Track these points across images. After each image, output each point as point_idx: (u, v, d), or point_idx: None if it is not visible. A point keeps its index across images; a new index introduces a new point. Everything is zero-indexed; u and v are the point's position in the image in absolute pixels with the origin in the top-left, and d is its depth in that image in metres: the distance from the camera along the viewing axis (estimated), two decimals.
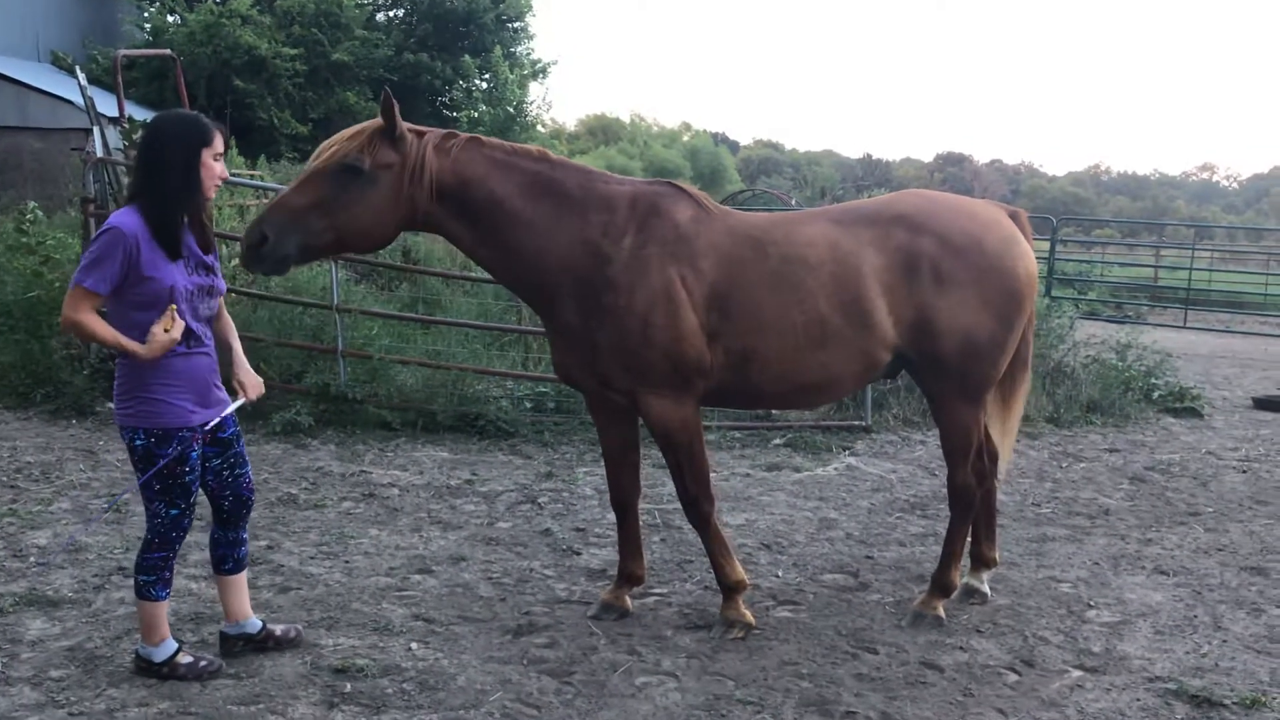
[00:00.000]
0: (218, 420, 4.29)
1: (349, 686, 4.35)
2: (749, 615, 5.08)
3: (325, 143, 4.50)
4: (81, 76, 10.07)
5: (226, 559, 4.54)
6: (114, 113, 11.25)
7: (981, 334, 4.97)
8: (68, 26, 29.08)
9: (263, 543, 5.98)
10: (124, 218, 4.01)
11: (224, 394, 4.36)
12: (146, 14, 31.63)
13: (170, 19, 31.05)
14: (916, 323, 4.91)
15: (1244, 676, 4.80)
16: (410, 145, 4.49)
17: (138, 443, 4.11)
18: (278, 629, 4.69)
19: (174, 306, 4.04)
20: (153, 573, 4.26)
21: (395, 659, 4.63)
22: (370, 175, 4.41)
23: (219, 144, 4.12)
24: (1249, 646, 5.13)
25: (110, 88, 13.78)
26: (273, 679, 4.39)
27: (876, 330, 4.89)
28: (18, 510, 6.29)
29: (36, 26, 27.75)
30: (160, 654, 4.31)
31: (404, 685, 4.39)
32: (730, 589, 5.08)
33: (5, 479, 6.89)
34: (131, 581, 5.29)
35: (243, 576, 4.60)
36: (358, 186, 4.40)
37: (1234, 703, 4.52)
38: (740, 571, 5.11)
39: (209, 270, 4.23)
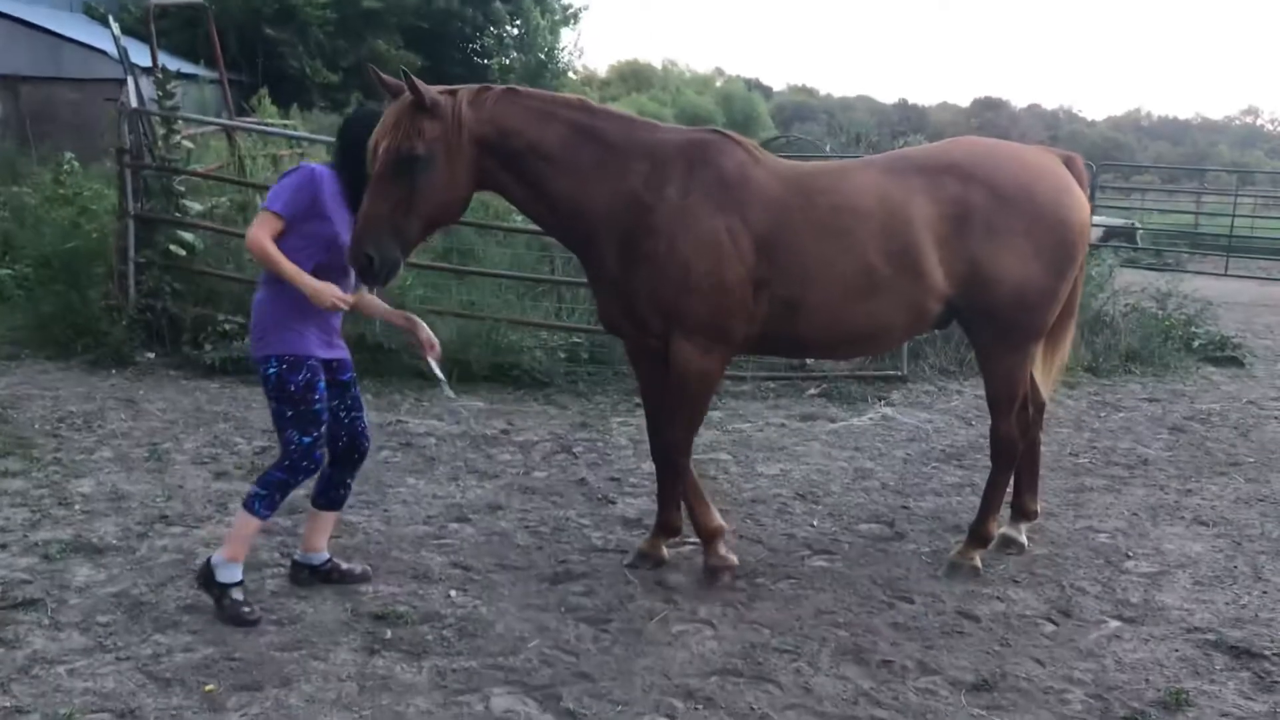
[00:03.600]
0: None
1: (389, 633, 4.41)
2: (732, 558, 5.08)
3: (372, 140, 4.43)
4: (115, 27, 10.07)
5: (324, 494, 4.84)
6: (147, 63, 11.27)
7: (1033, 284, 4.91)
8: None
9: (301, 491, 6.03)
10: (319, 167, 4.49)
11: (343, 346, 4.72)
12: None
13: None
14: (968, 273, 4.86)
15: None
16: (446, 108, 4.45)
17: (270, 370, 4.42)
18: (344, 564, 4.94)
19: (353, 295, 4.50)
20: (268, 489, 4.50)
21: (435, 606, 4.68)
22: (427, 156, 4.40)
23: None
24: None
25: (143, 38, 13.80)
26: (314, 625, 4.45)
27: (927, 280, 4.84)
28: (61, 459, 6.38)
29: None
30: (227, 575, 4.48)
31: (444, 632, 4.45)
32: (710, 535, 5.10)
33: (49, 428, 6.98)
34: (174, 530, 5.40)
35: (332, 516, 4.93)
36: (422, 171, 4.40)
37: (1274, 654, 4.50)
38: (717, 518, 5.14)
39: None
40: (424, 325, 4.80)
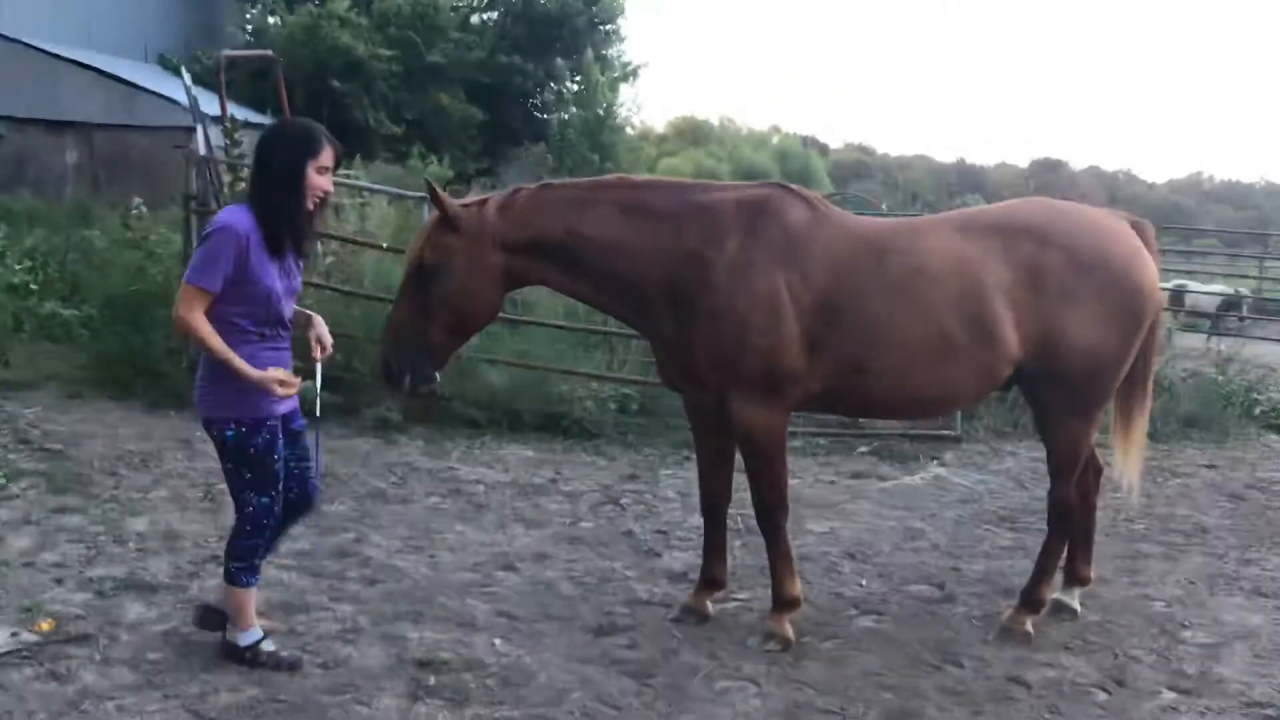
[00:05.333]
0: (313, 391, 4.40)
1: (433, 680, 4.40)
2: (790, 632, 4.96)
3: (408, 250, 4.66)
4: (186, 76, 10.38)
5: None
6: (216, 112, 11.56)
7: (1105, 350, 4.87)
8: (174, 29, 29.95)
9: (350, 535, 6.08)
10: (236, 216, 4.11)
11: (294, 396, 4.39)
12: (249, 15, 32.45)
13: (271, 20, 31.82)
14: (1040, 338, 4.82)
15: None
16: (468, 222, 4.57)
17: (228, 433, 4.18)
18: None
19: (298, 379, 4.22)
20: (244, 559, 4.35)
21: (479, 654, 4.68)
22: (440, 267, 4.54)
23: (326, 158, 4.16)
24: None
25: (213, 87, 14.18)
26: (359, 670, 4.46)
27: (1000, 345, 4.79)
28: (119, 497, 6.48)
29: (145, 29, 28.63)
30: (246, 639, 4.41)
31: (487, 681, 4.44)
32: (783, 603, 5.00)
33: (107, 466, 7.11)
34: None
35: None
36: (437, 281, 4.55)
37: None
38: (798, 589, 5.05)
39: (294, 273, 4.31)
40: (321, 322, 4.46)
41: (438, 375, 4.80)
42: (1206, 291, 19.80)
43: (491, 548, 6.08)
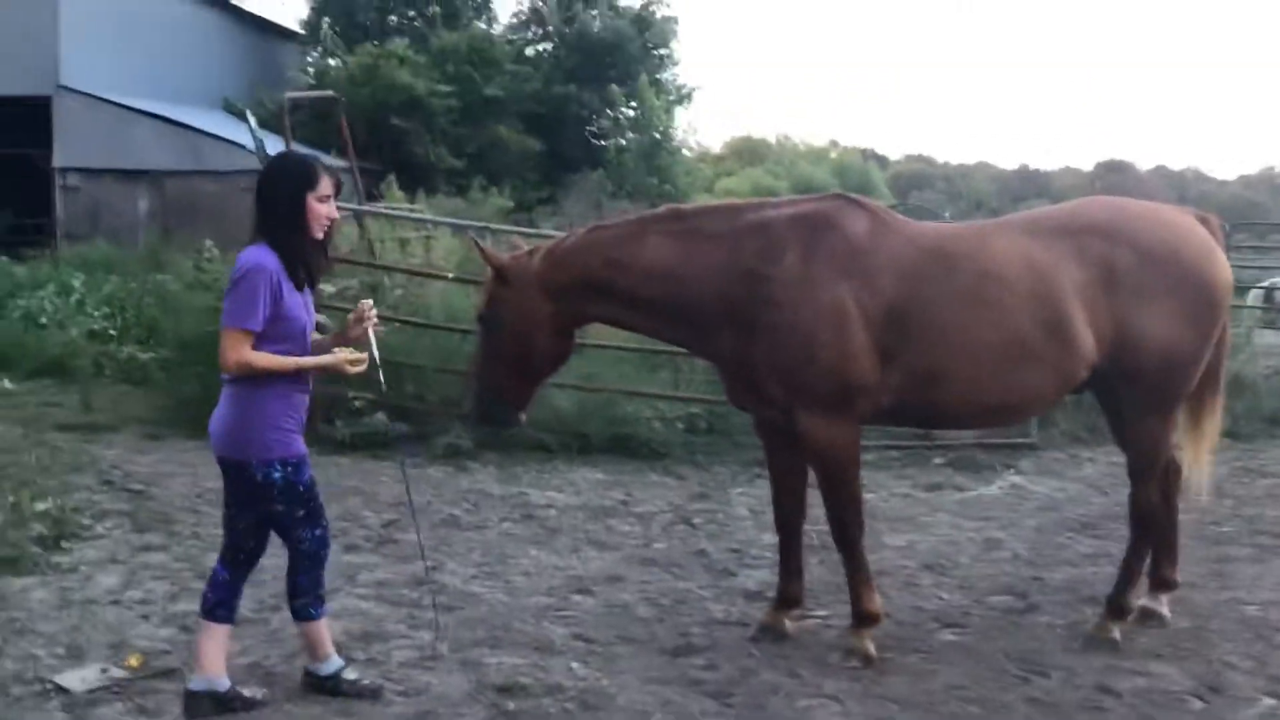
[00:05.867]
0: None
1: (513, 705, 4.41)
2: (871, 649, 4.86)
3: None
4: (252, 120, 10.58)
5: (292, 606, 4.49)
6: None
7: (1180, 346, 4.78)
8: (238, 75, 30.69)
9: (427, 563, 6.12)
10: (261, 255, 4.10)
11: None
12: (310, 58, 33.15)
13: (331, 62, 32.48)
14: (1116, 337, 4.74)
15: None
16: (514, 273, 4.75)
17: (275, 475, 4.16)
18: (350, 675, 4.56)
19: (363, 355, 4.27)
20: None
21: (557, 678, 4.67)
22: (494, 317, 4.80)
23: (325, 187, 4.16)
24: None
25: (278, 130, 14.46)
26: (440, 697, 4.48)
27: (1077, 347, 4.71)
28: (200, 534, 6.60)
29: (210, 76, 29.38)
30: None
31: (566, 705, 4.43)
32: (863, 619, 4.91)
33: (188, 504, 7.24)
34: None
35: (314, 625, 4.48)
36: (495, 329, 4.82)
37: None
38: (877, 604, 4.95)
39: (310, 304, 4.32)
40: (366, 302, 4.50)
41: (518, 414, 5.02)
42: None
43: (566, 571, 6.09)
